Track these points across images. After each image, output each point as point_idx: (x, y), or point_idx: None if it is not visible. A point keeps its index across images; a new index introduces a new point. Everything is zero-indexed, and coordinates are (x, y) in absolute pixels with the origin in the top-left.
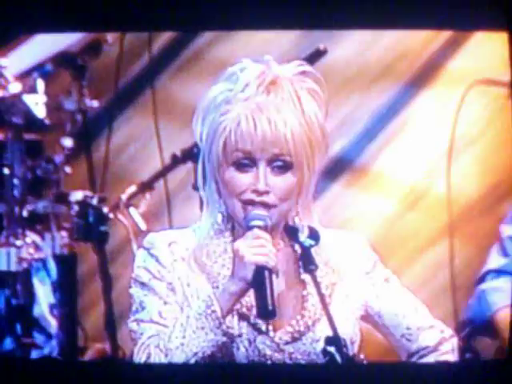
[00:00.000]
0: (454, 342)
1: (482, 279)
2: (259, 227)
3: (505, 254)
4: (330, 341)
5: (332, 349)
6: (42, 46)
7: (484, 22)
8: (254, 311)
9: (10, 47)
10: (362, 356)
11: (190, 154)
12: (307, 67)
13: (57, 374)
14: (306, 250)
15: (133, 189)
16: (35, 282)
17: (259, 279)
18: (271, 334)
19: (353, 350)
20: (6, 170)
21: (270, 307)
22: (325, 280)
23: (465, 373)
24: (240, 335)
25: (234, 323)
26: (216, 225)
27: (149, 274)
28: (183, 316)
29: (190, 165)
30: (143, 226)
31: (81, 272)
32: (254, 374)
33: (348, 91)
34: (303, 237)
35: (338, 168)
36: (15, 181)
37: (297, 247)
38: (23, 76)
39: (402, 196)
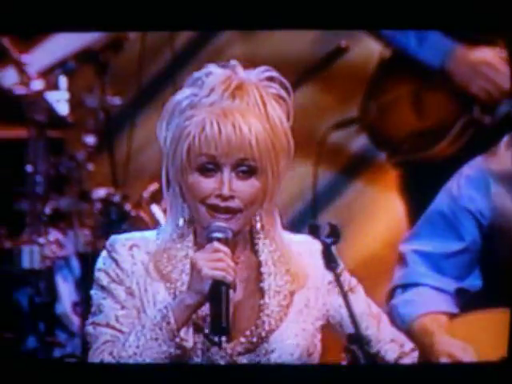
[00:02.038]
0: (415, 356)
1: (391, 295)
2: (219, 240)
3: (406, 265)
4: (352, 339)
5: (354, 347)
6: (65, 42)
7: (484, 22)
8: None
9: (33, 44)
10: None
11: None
12: (273, 73)
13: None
14: (327, 248)
15: (155, 186)
16: (58, 280)
17: (216, 294)
18: (224, 345)
19: (310, 361)
20: (29, 168)
21: (224, 324)
22: (283, 289)
23: (465, 373)
24: (193, 347)
25: (188, 334)
26: (178, 229)
27: (108, 277)
28: (138, 324)
29: None
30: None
31: None
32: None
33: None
34: (324, 234)
35: (359, 165)
36: (38, 178)
37: (262, 255)
38: (46, 73)
39: None
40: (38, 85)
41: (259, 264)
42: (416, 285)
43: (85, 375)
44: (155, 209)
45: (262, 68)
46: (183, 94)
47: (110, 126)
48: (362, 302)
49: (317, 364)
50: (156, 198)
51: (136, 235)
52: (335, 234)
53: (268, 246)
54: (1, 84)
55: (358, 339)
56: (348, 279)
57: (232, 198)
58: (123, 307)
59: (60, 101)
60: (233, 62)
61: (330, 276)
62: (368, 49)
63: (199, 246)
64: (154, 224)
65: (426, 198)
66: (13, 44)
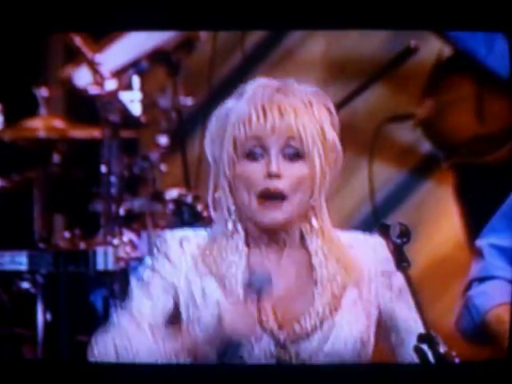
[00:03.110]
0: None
1: (467, 288)
2: (258, 290)
3: (482, 259)
4: (422, 338)
5: (424, 346)
6: (137, 42)
7: (484, 22)
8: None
9: (106, 44)
10: (453, 353)
11: None
12: (320, 91)
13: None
14: (397, 248)
15: None
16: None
17: (227, 353)
18: (276, 332)
19: (363, 353)
20: (104, 168)
21: None
22: (335, 279)
23: (465, 373)
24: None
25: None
26: (227, 230)
27: (153, 268)
28: (190, 316)
29: None
30: None
31: None
32: (256, 375)
33: None
34: (395, 234)
35: (430, 164)
36: (112, 179)
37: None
38: (119, 73)
39: None
40: (111, 85)
41: (309, 256)
42: (492, 278)
43: (85, 375)
44: None
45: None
46: (225, 106)
47: (182, 127)
48: (409, 300)
49: (319, 364)
50: None
51: (188, 231)
52: (406, 234)
53: (318, 240)
54: (75, 84)
55: (427, 338)
56: (399, 277)
57: (279, 176)
58: (153, 303)
59: (133, 101)
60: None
61: (384, 269)
62: (436, 49)
63: (249, 244)
64: None
65: (478, 200)
66: (86, 44)
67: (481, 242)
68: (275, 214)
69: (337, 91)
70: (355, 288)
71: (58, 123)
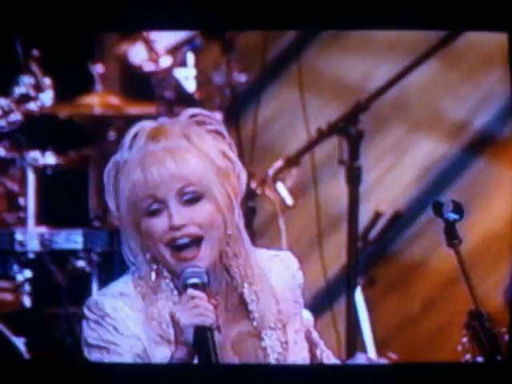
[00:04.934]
0: None
1: None
2: (195, 285)
3: None
4: (472, 315)
5: (475, 323)
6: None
7: (484, 22)
8: None
9: None
10: (502, 330)
11: (336, 128)
12: (195, 110)
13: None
14: (449, 225)
15: (279, 163)
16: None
17: (201, 340)
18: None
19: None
20: None
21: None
22: (276, 323)
23: (465, 373)
24: None
25: None
26: (151, 283)
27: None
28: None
29: (335, 139)
30: (290, 201)
31: None
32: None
33: (487, 69)
34: (447, 211)
35: (483, 141)
36: None
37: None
38: (173, 50)
39: None
40: (166, 61)
41: (241, 293)
42: None
43: (85, 375)
44: (280, 187)
45: (186, 111)
46: (113, 159)
47: (236, 103)
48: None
49: (317, 364)
50: (281, 175)
51: (116, 293)
52: (458, 211)
53: (242, 270)
54: (130, 61)
55: (477, 315)
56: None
57: (185, 226)
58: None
59: (188, 78)
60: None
61: (294, 283)
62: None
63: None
64: (279, 202)
65: None
66: None
67: None
68: (195, 264)
69: (389, 68)
70: (291, 322)
71: (114, 100)
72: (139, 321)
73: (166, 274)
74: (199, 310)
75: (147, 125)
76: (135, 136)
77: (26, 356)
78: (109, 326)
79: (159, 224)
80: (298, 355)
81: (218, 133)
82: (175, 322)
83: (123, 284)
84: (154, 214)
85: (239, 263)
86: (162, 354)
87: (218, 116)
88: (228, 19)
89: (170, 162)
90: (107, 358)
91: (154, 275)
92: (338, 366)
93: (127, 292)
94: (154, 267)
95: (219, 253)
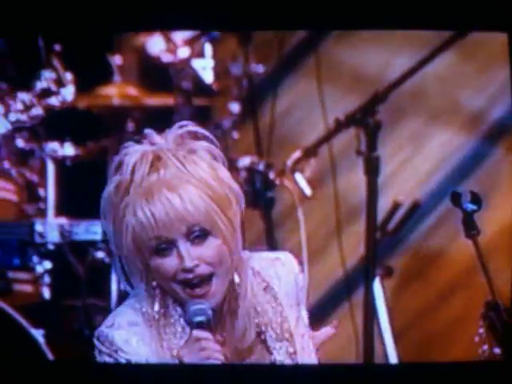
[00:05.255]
0: None
1: None
2: (201, 323)
3: None
4: (489, 306)
5: (492, 314)
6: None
7: (484, 22)
8: None
9: None
10: None
11: (354, 119)
12: (186, 128)
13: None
14: (468, 216)
15: (298, 154)
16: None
17: None
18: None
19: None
20: None
21: None
22: (283, 337)
23: (465, 373)
24: None
25: None
26: (157, 313)
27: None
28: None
29: (353, 129)
30: (308, 191)
31: (248, 239)
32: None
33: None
34: (465, 202)
35: (499, 133)
36: None
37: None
38: (191, 41)
39: None
40: (184, 52)
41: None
42: None
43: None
44: (299, 177)
45: (175, 127)
46: (110, 186)
47: (254, 94)
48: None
49: (317, 364)
50: (300, 165)
51: (124, 323)
52: (476, 201)
53: (248, 294)
54: (148, 51)
55: (495, 307)
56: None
57: (197, 266)
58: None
59: (205, 68)
60: (147, 132)
61: (297, 287)
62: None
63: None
64: (298, 193)
65: None
66: None
67: None
68: (208, 301)
69: (406, 59)
70: (296, 328)
71: (132, 91)
72: (151, 349)
73: (170, 301)
74: (207, 353)
75: (136, 149)
76: (135, 162)
77: (45, 348)
78: (122, 359)
79: (169, 264)
80: (307, 360)
81: (210, 153)
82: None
83: (131, 312)
84: (163, 253)
85: (241, 280)
86: None
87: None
88: (241, 19)
89: (175, 199)
90: None
91: (157, 304)
92: (343, 365)
93: (136, 321)
94: (158, 294)
95: (228, 283)
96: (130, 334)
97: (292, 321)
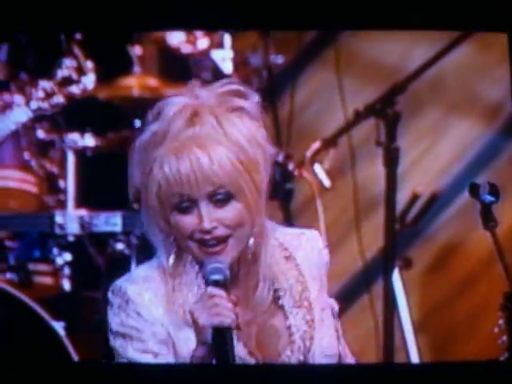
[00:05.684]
0: None
1: None
2: (217, 282)
3: None
4: (508, 297)
5: (510, 305)
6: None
7: (484, 22)
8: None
9: None
10: None
11: (373, 110)
12: (231, 86)
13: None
14: (486, 207)
15: (317, 145)
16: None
17: (219, 340)
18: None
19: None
20: None
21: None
22: (301, 301)
23: (465, 373)
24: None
25: None
26: (171, 266)
27: (135, 329)
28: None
29: (372, 120)
30: (327, 182)
31: None
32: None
33: None
34: (484, 193)
35: None
36: None
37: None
38: (211, 32)
39: None
40: (203, 43)
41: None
42: None
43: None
44: (318, 168)
45: (221, 82)
46: (147, 134)
47: (273, 85)
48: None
49: (318, 364)
50: (319, 157)
51: (140, 277)
52: (495, 193)
53: (267, 259)
54: (168, 42)
55: None
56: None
57: (215, 228)
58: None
59: (225, 59)
60: (192, 83)
61: (320, 261)
62: None
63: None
64: (317, 184)
65: None
66: None
67: None
68: (221, 259)
69: (426, 50)
70: (314, 297)
71: (152, 81)
72: (162, 305)
73: (189, 258)
74: (218, 309)
75: (176, 101)
76: (174, 113)
77: (65, 340)
78: (132, 312)
79: (188, 222)
80: (325, 333)
81: (250, 114)
82: (194, 321)
83: (148, 268)
84: (183, 211)
85: (261, 244)
86: (185, 338)
87: (255, 96)
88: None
89: (203, 159)
90: (130, 346)
91: (172, 258)
92: (351, 366)
93: (152, 276)
94: (175, 250)
95: (245, 245)
96: (143, 289)
97: (313, 292)
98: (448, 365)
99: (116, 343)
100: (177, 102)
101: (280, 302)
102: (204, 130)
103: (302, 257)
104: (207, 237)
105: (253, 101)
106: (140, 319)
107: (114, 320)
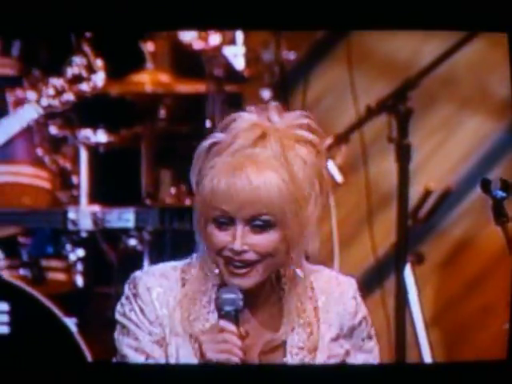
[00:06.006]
0: None
1: None
2: (228, 314)
3: None
4: None
5: None
6: None
7: (484, 22)
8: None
9: None
10: None
11: (385, 106)
12: (306, 120)
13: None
14: (497, 203)
15: (329, 141)
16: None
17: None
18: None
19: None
20: (208, 123)
21: None
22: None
23: (465, 373)
24: None
25: None
26: (202, 273)
27: (134, 325)
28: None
29: (384, 116)
30: (339, 178)
31: None
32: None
33: None
34: (495, 189)
35: None
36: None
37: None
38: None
39: None
40: (215, 39)
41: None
42: None
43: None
44: (330, 164)
45: (296, 114)
46: (211, 140)
47: (286, 81)
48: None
49: (318, 364)
50: (331, 152)
51: (158, 272)
52: (506, 188)
53: (291, 293)
54: (180, 38)
55: None
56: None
57: (244, 252)
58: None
59: (237, 55)
60: (270, 106)
61: (344, 310)
62: None
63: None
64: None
65: None
66: None
67: None
68: (243, 282)
69: (437, 45)
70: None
71: (164, 77)
72: (168, 306)
73: (212, 283)
74: (227, 346)
75: (248, 118)
76: (243, 129)
77: (77, 336)
78: (136, 306)
79: (221, 239)
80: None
81: (309, 142)
82: (202, 353)
83: (171, 266)
84: (220, 226)
85: (289, 278)
86: (177, 345)
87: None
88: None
89: (254, 182)
90: (125, 341)
91: (196, 269)
92: (350, 366)
93: (169, 275)
94: (202, 259)
95: (272, 272)
96: (156, 284)
97: (325, 338)
98: (448, 364)
99: (115, 333)
100: (249, 118)
101: (284, 337)
102: (265, 153)
103: (324, 301)
104: (235, 257)
105: (322, 140)
106: (141, 316)
107: (119, 309)
